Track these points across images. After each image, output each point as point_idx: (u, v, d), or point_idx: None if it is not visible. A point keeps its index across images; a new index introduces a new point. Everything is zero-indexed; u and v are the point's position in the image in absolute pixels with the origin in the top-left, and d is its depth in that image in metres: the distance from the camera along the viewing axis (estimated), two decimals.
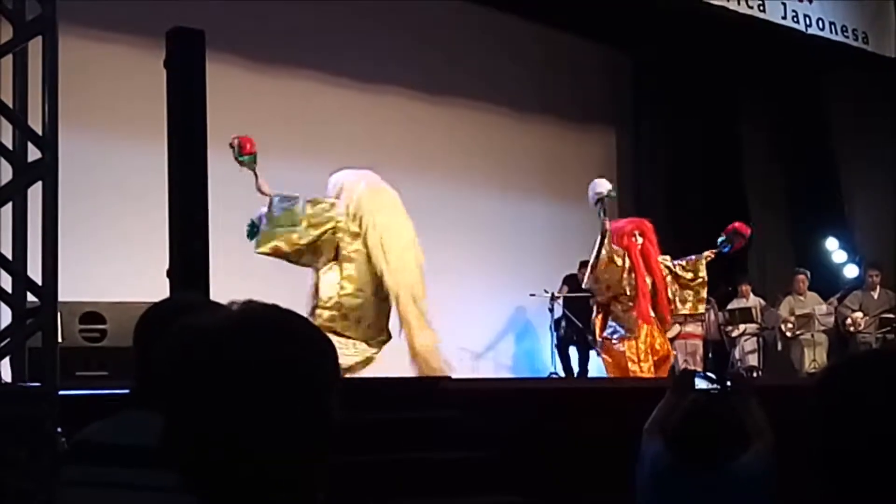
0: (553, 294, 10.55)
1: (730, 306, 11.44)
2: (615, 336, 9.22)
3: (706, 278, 9.55)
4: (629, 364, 9.07)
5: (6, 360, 4.35)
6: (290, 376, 1.13)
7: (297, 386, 1.14)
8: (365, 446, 5.36)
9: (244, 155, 7.72)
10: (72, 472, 1.95)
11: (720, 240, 9.52)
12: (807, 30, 11.05)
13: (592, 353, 10.89)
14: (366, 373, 8.04)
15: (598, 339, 9.43)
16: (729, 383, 3.66)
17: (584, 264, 10.88)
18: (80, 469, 1.93)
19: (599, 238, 9.20)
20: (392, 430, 5.98)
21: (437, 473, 5.82)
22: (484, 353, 11.34)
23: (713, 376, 3.71)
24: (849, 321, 11.12)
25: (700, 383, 3.64)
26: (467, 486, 5.87)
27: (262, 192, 7.90)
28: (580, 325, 10.33)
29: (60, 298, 4.12)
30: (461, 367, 10.00)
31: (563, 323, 10.49)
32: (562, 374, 10.44)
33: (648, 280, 9.29)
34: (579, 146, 12.72)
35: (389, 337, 7.81)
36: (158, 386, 1.16)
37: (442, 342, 7.71)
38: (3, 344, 4.03)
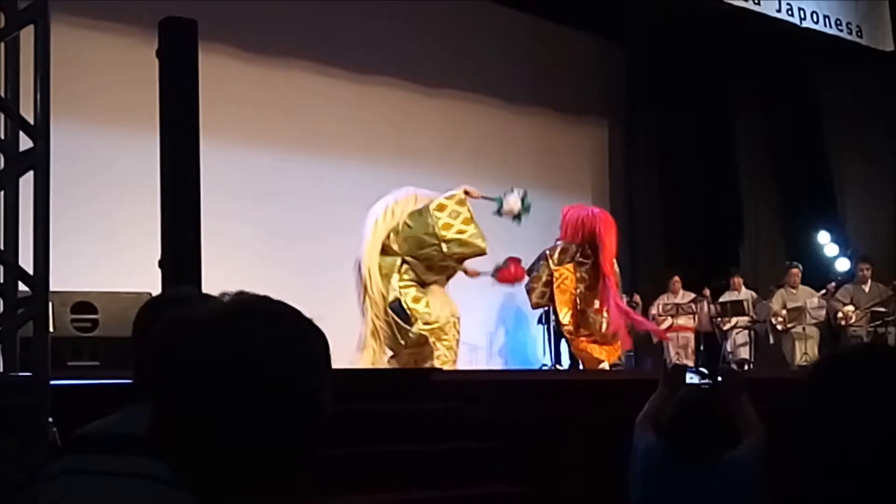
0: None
1: (722, 299, 11.47)
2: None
3: None
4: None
5: None
6: (282, 368, 1.13)
7: (289, 377, 1.13)
8: (357, 438, 5.37)
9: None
10: (66, 462, 1.94)
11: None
12: (801, 23, 11.05)
13: None
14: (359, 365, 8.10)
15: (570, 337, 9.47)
16: (720, 378, 3.67)
17: None
18: (74, 458, 1.93)
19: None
20: (384, 421, 5.98)
21: (430, 464, 5.83)
22: (476, 345, 11.35)
23: (704, 371, 3.71)
24: (840, 315, 11.14)
25: (691, 378, 3.64)
26: (459, 477, 5.88)
27: None
28: None
29: (52, 288, 4.10)
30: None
31: (553, 314, 10.48)
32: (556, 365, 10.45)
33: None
34: (572, 138, 12.72)
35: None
36: (150, 377, 1.15)
37: None
38: None
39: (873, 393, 1.51)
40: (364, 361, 8.10)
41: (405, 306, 8.09)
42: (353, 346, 9.10)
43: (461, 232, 8.03)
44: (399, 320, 8.12)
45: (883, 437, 1.48)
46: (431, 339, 8.11)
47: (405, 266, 8.15)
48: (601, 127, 13.19)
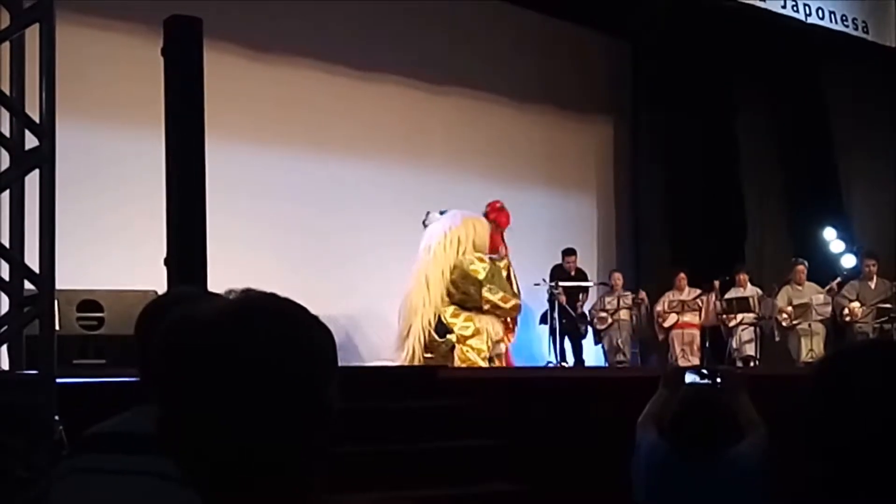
0: (556, 283, 10.54)
1: (727, 295, 11.44)
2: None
3: None
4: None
5: (3, 348, 4.35)
6: (289, 366, 1.13)
7: (295, 375, 1.13)
8: (363, 435, 5.37)
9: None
10: (77, 461, 1.95)
11: None
12: (806, 19, 11.03)
13: (586, 342, 10.92)
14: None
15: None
16: (719, 378, 3.66)
17: (568, 252, 10.93)
18: (85, 457, 1.93)
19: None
20: (390, 418, 5.99)
21: (435, 462, 5.84)
22: None
23: (705, 371, 3.70)
24: (846, 311, 11.12)
25: (691, 378, 3.63)
26: (465, 474, 5.88)
27: None
28: (574, 314, 10.34)
29: (58, 286, 4.11)
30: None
31: (557, 313, 10.48)
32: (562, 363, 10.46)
33: None
34: (578, 134, 12.71)
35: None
36: (156, 376, 1.15)
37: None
38: (0, 332, 4.03)
39: (879, 389, 1.51)
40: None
41: (444, 320, 8.80)
42: (360, 343, 9.15)
43: (499, 292, 8.92)
44: (434, 333, 8.75)
45: (889, 433, 1.48)
46: (461, 347, 8.49)
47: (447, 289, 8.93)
48: (607, 124, 13.18)
